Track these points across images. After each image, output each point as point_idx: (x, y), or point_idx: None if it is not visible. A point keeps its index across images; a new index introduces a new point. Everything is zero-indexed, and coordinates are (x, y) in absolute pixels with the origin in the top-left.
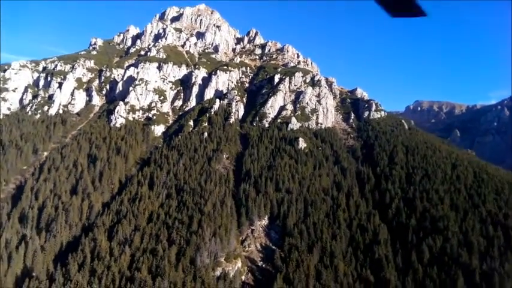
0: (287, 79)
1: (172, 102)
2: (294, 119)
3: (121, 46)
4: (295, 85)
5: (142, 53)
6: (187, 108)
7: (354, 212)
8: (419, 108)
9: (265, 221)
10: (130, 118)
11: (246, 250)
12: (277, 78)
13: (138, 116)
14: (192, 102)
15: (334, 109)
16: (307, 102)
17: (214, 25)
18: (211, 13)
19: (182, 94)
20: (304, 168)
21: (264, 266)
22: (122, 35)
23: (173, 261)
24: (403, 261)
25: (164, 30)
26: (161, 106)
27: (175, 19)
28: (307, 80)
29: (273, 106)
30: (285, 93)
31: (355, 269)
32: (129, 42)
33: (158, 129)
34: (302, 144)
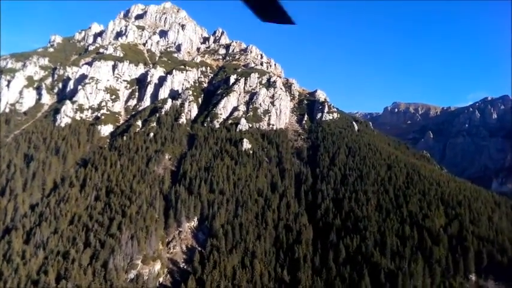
0: (242, 80)
1: (126, 101)
2: (243, 120)
3: (82, 44)
4: (250, 86)
5: (101, 51)
6: (140, 108)
7: (284, 213)
8: (396, 110)
9: (194, 223)
10: (78, 118)
11: (171, 252)
12: (233, 78)
13: (87, 115)
14: (146, 102)
15: (290, 110)
16: (260, 104)
17: (178, 24)
18: (177, 11)
19: (137, 93)
20: (243, 169)
21: (185, 267)
22: (83, 32)
23: (85, 264)
24: (321, 260)
25: (126, 27)
26: (112, 105)
27: (139, 17)
28: (263, 81)
29: (225, 107)
30: (239, 94)
31: (273, 269)
32: (90, 40)
33: (105, 129)
34: (246, 145)
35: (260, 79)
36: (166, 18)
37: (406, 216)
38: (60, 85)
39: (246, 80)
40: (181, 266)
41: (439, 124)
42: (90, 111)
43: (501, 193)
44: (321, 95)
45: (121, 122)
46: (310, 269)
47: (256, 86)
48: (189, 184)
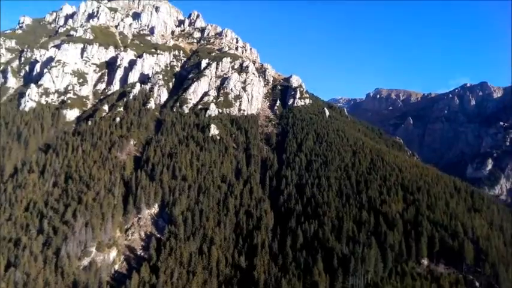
0: (214, 64)
1: (95, 85)
2: (213, 105)
3: (53, 26)
4: (222, 71)
5: (72, 33)
6: (109, 92)
7: (246, 199)
8: (378, 96)
9: (155, 209)
10: (43, 102)
11: (129, 239)
12: (204, 63)
13: (53, 99)
14: (116, 86)
15: (263, 96)
16: (231, 89)
17: (153, 6)
18: None
19: (106, 77)
20: (208, 155)
21: (142, 255)
22: (54, 13)
23: (36, 251)
24: (279, 246)
25: (98, 9)
26: (80, 89)
27: None
28: (236, 66)
29: (195, 92)
30: (211, 79)
31: (231, 256)
32: (61, 22)
33: (71, 114)
34: (214, 131)
35: (232, 64)
36: (140, 0)
37: (365, 201)
38: (28, 68)
39: (217, 64)
40: (139, 253)
41: (419, 110)
42: (56, 95)
43: (475, 178)
44: (296, 81)
45: (88, 107)
46: (267, 254)
47: (228, 71)
48: (151, 170)
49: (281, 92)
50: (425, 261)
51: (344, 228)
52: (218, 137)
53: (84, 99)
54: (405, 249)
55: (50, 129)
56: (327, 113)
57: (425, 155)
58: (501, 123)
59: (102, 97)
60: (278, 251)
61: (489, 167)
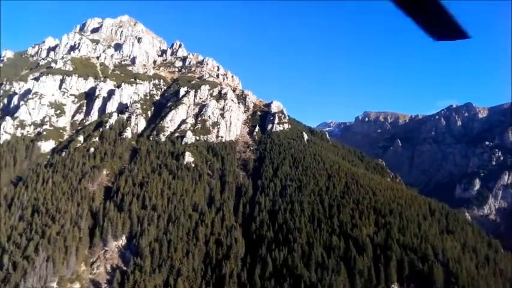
0: (192, 92)
1: (73, 116)
2: (189, 133)
3: (35, 58)
4: (200, 98)
5: (52, 65)
6: (87, 123)
7: (218, 227)
8: (366, 119)
9: (122, 241)
10: (19, 134)
11: (94, 273)
12: (183, 91)
13: (28, 131)
14: (94, 116)
15: (243, 122)
16: (209, 116)
17: (135, 37)
18: (135, 25)
19: (85, 108)
20: (180, 183)
21: None
22: (37, 46)
23: None
24: (248, 275)
25: (80, 41)
26: (57, 120)
27: (95, 30)
28: (214, 93)
29: (173, 120)
30: (189, 107)
31: (199, 287)
32: (44, 54)
33: (46, 146)
34: (188, 158)
35: (211, 91)
36: (122, 31)
37: (337, 226)
38: (6, 101)
39: (196, 92)
40: (103, 287)
41: (407, 132)
42: (32, 127)
43: (463, 199)
44: (276, 107)
45: (65, 138)
46: (236, 284)
47: (206, 98)
48: (121, 201)
49: (261, 117)
50: (395, 286)
51: (313, 254)
52: (193, 165)
53: (61, 131)
54: (374, 274)
55: (23, 161)
56: (306, 137)
57: (415, 177)
58: (487, 142)
59: (79, 128)
60: (247, 280)
61: (477, 186)
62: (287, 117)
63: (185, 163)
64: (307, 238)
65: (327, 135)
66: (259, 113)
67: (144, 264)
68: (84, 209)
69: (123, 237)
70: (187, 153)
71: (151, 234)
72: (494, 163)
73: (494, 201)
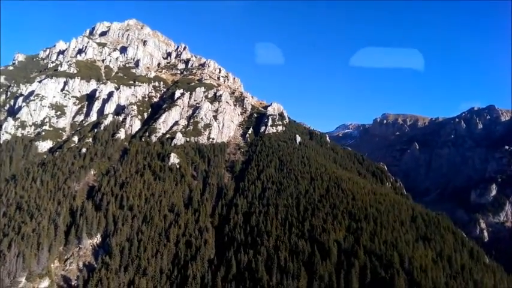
0: (187, 94)
1: (74, 117)
2: (179, 134)
3: (45, 61)
4: (195, 100)
5: (59, 68)
6: (86, 124)
7: (191, 229)
8: (385, 121)
9: (97, 240)
10: (19, 134)
11: (66, 269)
12: (178, 93)
13: (29, 132)
14: (93, 117)
15: (238, 124)
16: (201, 118)
17: (141, 40)
18: (141, 28)
19: (85, 109)
20: (160, 184)
21: (76, 285)
22: (48, 50)
23: None
24: (212, 277)
25: (87, 45)
26: (57, 121)
27: (103, 34)
28: (210, 96)
29: (165, 121)
30: (183, 109)
31: (163, 286)
32: (54, 58)
33: (44, 145)
34: (174, 160)
35: (206, 93)
36: (129, 35)
37: (307, 230)
38: (12, 102)
39: (191, 94)
40: (73, 283)
41: (426, 135)
42: (33, 127)
43: (479, 205)
44: (274, 109)
45: (63, 138)
46: (199, 286)
47: (201, 100)
48: (100, 200)
49: (256, 120)
50: None
51: (278, 258)
52: (177, 166)
53: (61, 131)
54: (335, 280)
55: (20, 160)
56: (298, 139)
57: (432, 181)
58: (506, 147)
59: (78, 128)
60: (212, 282)
61: (493, 192)
62: (287, 119)
63: (170, 164)
64: (274, 242)
65: (327, 138)
66: (255, 115)
67: (112, 262)
68: (63, 208)
69: (98, 236)
70: (172, 155)
71: (124, 234)
72: None
73: (511, 208)
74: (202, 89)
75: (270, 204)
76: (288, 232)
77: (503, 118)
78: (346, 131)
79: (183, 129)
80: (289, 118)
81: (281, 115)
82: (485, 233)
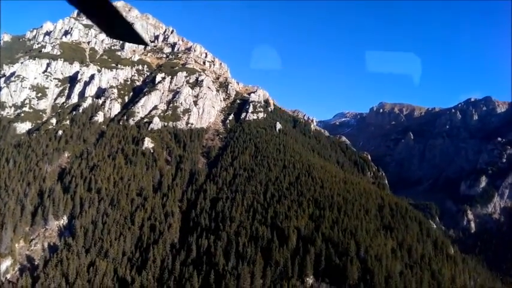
0: (168, 79)
1: (55, 99)
2: (156, 119)
3: (32, 42)
4: (176, 85)
5: (42, 50)
6: (67, 106)
7: (158, 213)
8: (381, 110)
9: (63, 221)
10: None
11: (31, 249)
12: (159, 77)
13: (8, 113)
14: (74, 100)
15: (220, 110)
16: (181, 103)
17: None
18: (129, 10)
19: (67, 91)
20: (131, 168)
21: (38, 265)
22: (35, 31)
23: None
24: (172, 262)
25: (73, 26)
26: (37, 103)
27: None
28: (191, 80)
29: (144, 105)
30: (163, 93)
31: (123, 270)
32: (40, 39)
33: (23, 127)
34: (148, 144)
35: (188, 78)
36: None
37: (270, 217)
38: None
39: (172, 78)
40: (37, 263)
41: (421, 125)
42: (13, 109)
43: (468, 196)
44: (258, 95)
45: (44, 120)
46: (158, 269)
47: (182, 85)
48: (69, 182)
49: (238, 106)
50: (310, 280)
51: (237, 243)
52: (151, 150)
53: (41, 113)
54: (291, 267)
55: None
56: (278, 127)
57: (425, 171)
58: (499, 139)
59: (59, 110)
60: (171, 265)
61: (483, 184)
62: (272, 106)
63: (143, 148)
64: (236, 227)
65: (312, 126)
66: (238, 101)
67: (74, 244)
68: (31, 189)
69: (65, 218)
70: (146, 139)
71: (90, 216)
72: (504, 160)
73: (500, 200)
74: (184, 73)
75: (238, 190)
76: (251, 218)
77: (499, 110)
78: (344, 119)
79: (162, 114)
80: (274, 105)
81: (266, 102)
82: (472, 224)
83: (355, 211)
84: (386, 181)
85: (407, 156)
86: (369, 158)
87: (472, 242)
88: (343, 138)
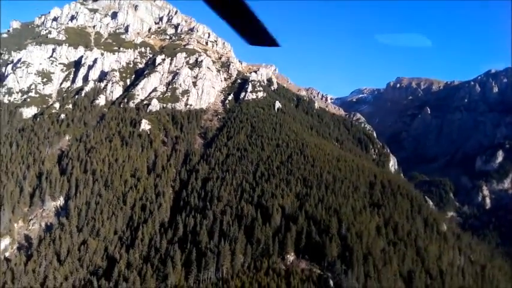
0: (167, 60)
1: (61, 84)
2: (154, 101)
3: (40, 28)
4: (175, 66)
5: (48, 35)
6: (71, 90)
7: (150, 193)
8: (398, 85)
9: (60, 202)
10: (6, 101)
11: (29, 229)
12: (159, 59)
13: (15, 98)
14: (78, 84)
15: (220, 90)
16: (180, 84)
17: (132, 5)
18: None
19: (72, 76)
20: (127, 150)
21: (34, 244)
22: (43, 17)
23: None
24: (160, 240)
25: (78, 11)
26: (43, 88)
27: None
28: (191, 61)
29: (144, 88)
30: (162, 75)
31: (114, 247)
32: (48, 25)
33: (29, 112)
34: (145, 126)
35: (188, 59)
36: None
37: (258, 196)
38: (4, 70)
39: (171, 60)
40: (33, 242)
41: (440, 99)
42: (20, 94)
43: (483, 172)
44: (261, 74)
45: (49, 104)
46: (146, 247)
47: (182, 66)
48: (67, 165)
49: (239, 85)
50: (290, 257)
51: (221, 222)
52: (148, 132)
53: (47, 98)
54: (272, 244)
55: (5, 126)
56: (277, 106)
57: (443, 147)
58: None
59: (64, 95)
60: (159, 244)
61: (499, 159)
62: (275, 85)
63: (140, 130)
64: (223, 206)
65: (315, 105)
66: (239, 81)
67: (68, 223)
68: (30, 172)
69: (61, 199)
70: (143, 121)
71: (84, 197)
72: None
73: None
74: (184, 54)
75: (229, 170)
76: (238, 197)
77: None
78: (361, 95)
79: (161, 96)
80: (278, 84)
81: (269, 80)
82: (488, 200)
83: (344, 189)
84: (393, 158)
85: (424, 132)
86: (374, 135)
87: (486, 218)
88: (358, 115)
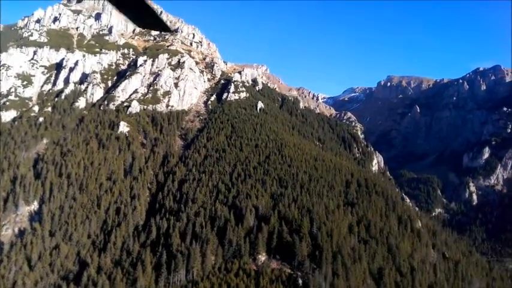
0: (149, 61)
1: (42, 87)
2: (135, 102)
3: (23, 31)
4: (157, 67)
5: (30, 38)
6: (52, 93)
7: (125, 196)
8: (388, 84)
9: (34, 207)
10: None
11: (2, 234)
12: (141, 60)
13: None
14: (59, 86)
15: (204, 91)
16: (161, 85)
17: None
18: None
19: (53, 78)
20: (103, 153)
21: (6, 249)
22: (26, 19)
23: None
24: (133, 243)
25: (61, 12)
26: (23, 91)
27: (80, 0)
28: (173, 62)
29: (125, 89)
30: (144, 76)
31: (87, 251)
32: (31, 26)
33: (7, 115)
34: (123, 128)
35: (169, 60)
36: (105, 0)
37: (233, 197)
38: None
39: (153, 61)
40: (6, 248)
41: (429, 97)
42: None
43: (470, 168)
44: (245, 74)
45: (29, 107)
46: (119, 251)
47: (164, 67)
48: (41, 169)
49: (222, 86)
50: (262, 257)
51: (194, 224)
52: (126, 134)
53: (27, 101)
54: (244, 245)
55: None
56: (259, 106)
57: (432, 145)
58: (505, 108)
59: (45, 98)
60: (132, 247)
61: (486, 156)
62: (260, 85)
63: (118, 133)
64: (198, 208)
65: (300, 105)
66: (222, 81)
67: (40, 228)
68: (4, 176)
69: (35, 203)
70: (122, 123)
71: (58, 201)
72: (509, 131)
73: (503, 172)
74: (166, 55)
75: (206, 171)
76: (213, 199)
77: (508, 78)
78: (353, 94)
79: (142, 97)
80: (263, 84)
81: (254, 81)
82: (474, 196)
83: (319, 188)
84: (378, 156)
85: (414, 130)
86: (359, 134)
87: (473, 214)
88: (349, 114)
